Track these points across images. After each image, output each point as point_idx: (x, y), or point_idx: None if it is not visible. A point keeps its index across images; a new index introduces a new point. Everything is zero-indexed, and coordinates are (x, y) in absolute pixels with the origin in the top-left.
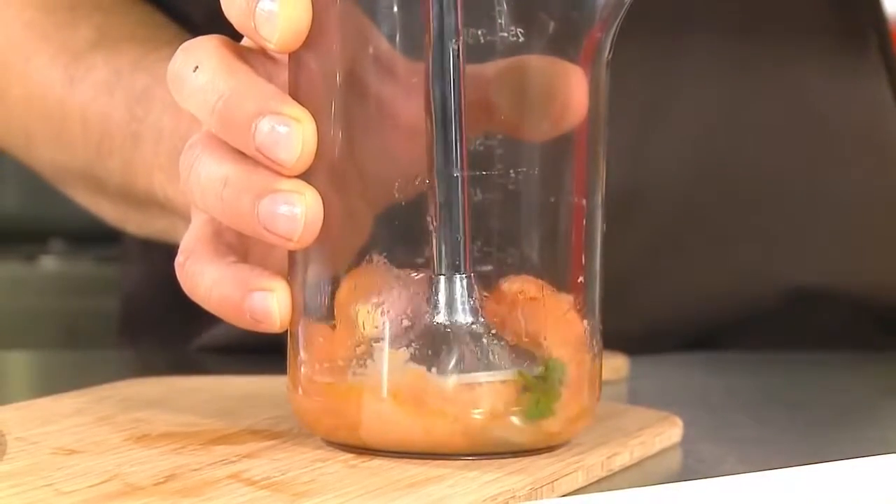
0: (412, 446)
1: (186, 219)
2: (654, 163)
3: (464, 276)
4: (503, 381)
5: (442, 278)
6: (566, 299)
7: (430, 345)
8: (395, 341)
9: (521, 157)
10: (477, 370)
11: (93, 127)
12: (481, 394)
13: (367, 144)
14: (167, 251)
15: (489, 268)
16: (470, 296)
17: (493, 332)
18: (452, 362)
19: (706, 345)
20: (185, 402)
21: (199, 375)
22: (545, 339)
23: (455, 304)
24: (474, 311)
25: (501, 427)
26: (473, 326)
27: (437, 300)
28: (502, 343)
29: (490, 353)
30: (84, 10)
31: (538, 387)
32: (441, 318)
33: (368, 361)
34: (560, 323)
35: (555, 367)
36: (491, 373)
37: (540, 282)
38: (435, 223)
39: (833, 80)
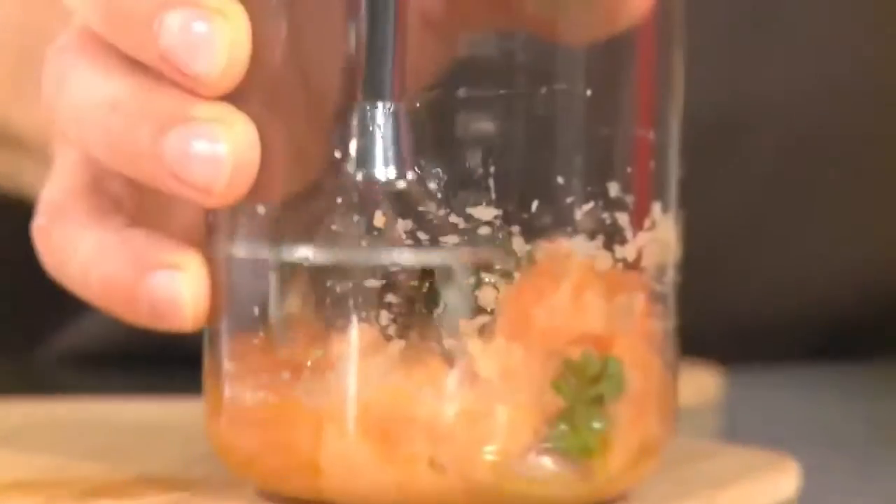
0: (389, 499)
1: (44, 159)
2: (759, 85)
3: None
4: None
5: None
6: (626, 277)
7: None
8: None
9: (557, 68)
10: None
11: None
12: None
13: (322, 49)
14: (13, 209)
15: (510, 231)
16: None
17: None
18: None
19: (836, 355)
20: (45, 436)
21: (64, 397)
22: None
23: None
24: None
25: (523, 475)
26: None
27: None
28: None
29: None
30: None
31: (584, 400)
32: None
33: (329, 374)
34: (615, 311)
35: (613, 369)
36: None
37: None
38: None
39: None
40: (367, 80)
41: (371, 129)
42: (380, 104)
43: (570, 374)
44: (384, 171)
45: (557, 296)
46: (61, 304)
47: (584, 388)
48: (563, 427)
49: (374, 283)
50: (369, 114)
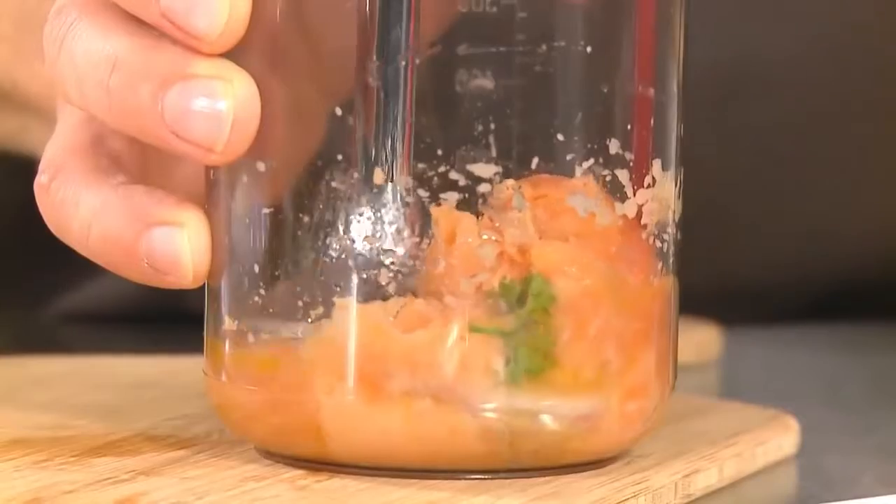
0: (393, 458)
1: (48, 119)
2: (761, 47)
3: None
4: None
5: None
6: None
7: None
8: (366, 287)
9: (557, 24)
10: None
11: None
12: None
13: (325, 6)
14: (16, 167)
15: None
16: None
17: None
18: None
19: (836, 314)
20: (46, 393)
21: (65, 354)
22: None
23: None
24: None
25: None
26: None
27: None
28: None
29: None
30: None
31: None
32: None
33: (324, 322)
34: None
35: (537, 286)
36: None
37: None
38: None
39: None
40: (382, 39)
41: (380, 86)
42: (396, 63)
43: (502, 302)
44: (388, 130)
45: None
46: (67, 263)
47: (518, 312)
48: (520, 350)
49: (373, 241)
50: (381, 72)
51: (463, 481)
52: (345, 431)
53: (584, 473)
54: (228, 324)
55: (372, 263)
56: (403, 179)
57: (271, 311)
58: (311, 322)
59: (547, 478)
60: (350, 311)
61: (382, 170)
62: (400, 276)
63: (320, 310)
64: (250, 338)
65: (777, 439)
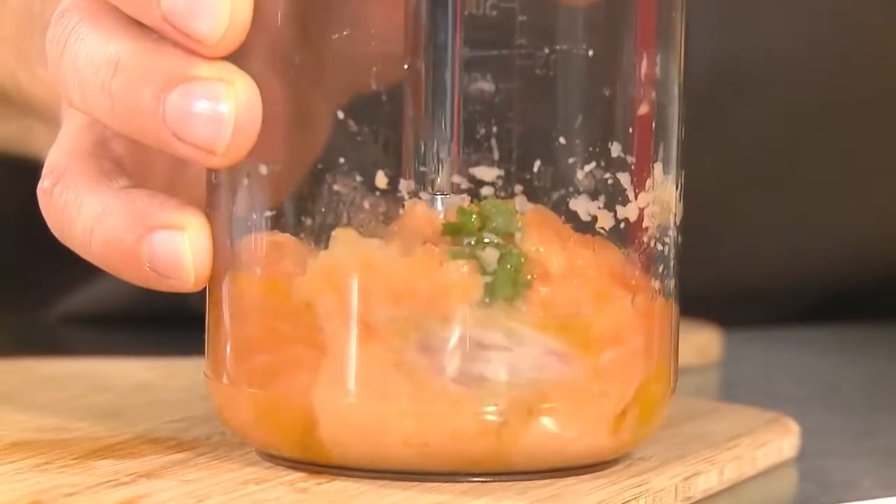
0: (391, 461)
1: (52, 122)
2: (756, 46)
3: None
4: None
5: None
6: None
7: None
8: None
9: (558, 28)
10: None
11: None
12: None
13: (329, 7)
14: (20, 171)
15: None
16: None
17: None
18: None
19: (835, 316)
20: (48, 395)
21: (67, 357)
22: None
23: None
24: None
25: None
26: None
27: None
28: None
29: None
30: None
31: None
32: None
33: (329, 332)
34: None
35: (490, 208)
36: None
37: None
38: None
39: None
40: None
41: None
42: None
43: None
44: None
45: None
46: (69, 266)
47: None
48: (487, 279)
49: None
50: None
51: (463, 484)
52: (339, 432)
53: (585, 476)
54: (229, 327)
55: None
56: (406, 183)
57: (273, 313)
58: (311, 326)
59: (547, 480)
60: (351, 311)
61: (385, 174)
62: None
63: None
64: (252, 341)
65: (777, 442)
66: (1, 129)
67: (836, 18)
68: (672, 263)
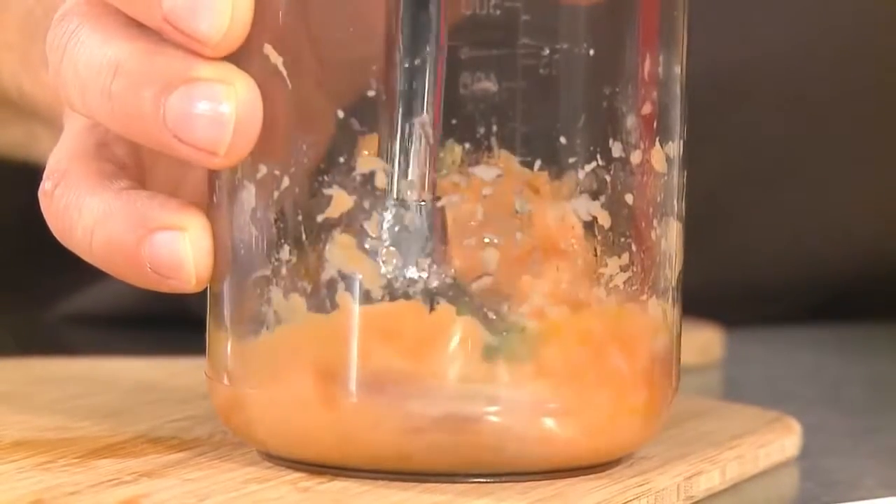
0: (392, 461)
1: (55, 126)
2: (758, 44)
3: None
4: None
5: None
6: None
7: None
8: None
9: (560, 27)
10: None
11: None
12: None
13: (330, 5)
14: (20, 172)
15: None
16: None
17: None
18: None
19: (837, 315)
20: (49, 395)
21: (68, 357)
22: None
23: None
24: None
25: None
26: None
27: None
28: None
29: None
30: None
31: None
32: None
33: (331, 333)
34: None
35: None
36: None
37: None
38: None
39: None
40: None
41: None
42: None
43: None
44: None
45: None
46: (70, 267)
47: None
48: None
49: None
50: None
51: (463, 484)
52: (341, 433)
53: (587, 476)
54: (230, 328)
55: (374, 267)
56: (407, 184)
57: (273, 312)
58: (313, 326)
59: (549, 480)
60: (353, 313)
61: (386, 174)
62: (401, 279)
63: (323, 316)
64: (252, 340)
65: (779, 441)
66: (5, 134)
67: (839, 20)
68: (674, 262)
